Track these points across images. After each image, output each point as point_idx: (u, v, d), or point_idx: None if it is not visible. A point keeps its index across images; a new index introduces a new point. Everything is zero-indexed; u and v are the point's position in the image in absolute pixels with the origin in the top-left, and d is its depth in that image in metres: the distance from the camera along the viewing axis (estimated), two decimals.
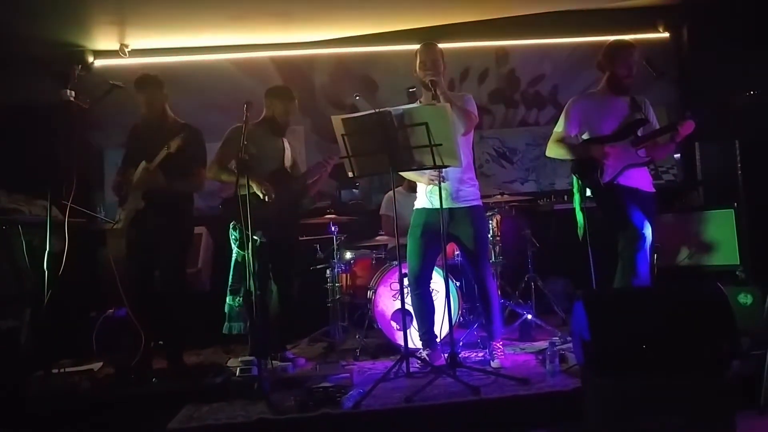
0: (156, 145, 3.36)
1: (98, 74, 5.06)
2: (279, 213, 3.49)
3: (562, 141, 3.40)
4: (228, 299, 4.00)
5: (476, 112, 3.36)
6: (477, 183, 3.44)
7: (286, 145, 3.78)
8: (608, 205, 3.26)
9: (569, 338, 3.50)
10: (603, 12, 5.21)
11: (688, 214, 4.32)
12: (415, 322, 3.47)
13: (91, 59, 5.19)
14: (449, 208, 3.30)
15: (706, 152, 5.11)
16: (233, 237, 3.79)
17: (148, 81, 3.54)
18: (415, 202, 3.51)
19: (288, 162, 3.76)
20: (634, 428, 2.21)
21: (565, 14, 5.30)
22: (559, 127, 3.42)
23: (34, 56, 4.89)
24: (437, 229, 3.17)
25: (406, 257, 3.34)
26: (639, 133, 3.29)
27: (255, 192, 3.31)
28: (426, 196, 3.39)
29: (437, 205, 3.11)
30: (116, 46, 5.13)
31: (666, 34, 5.52)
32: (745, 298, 3.58)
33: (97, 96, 3.71)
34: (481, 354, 3.57)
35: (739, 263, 3.93)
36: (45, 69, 4.75)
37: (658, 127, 3.37)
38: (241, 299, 3.83)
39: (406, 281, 3.38)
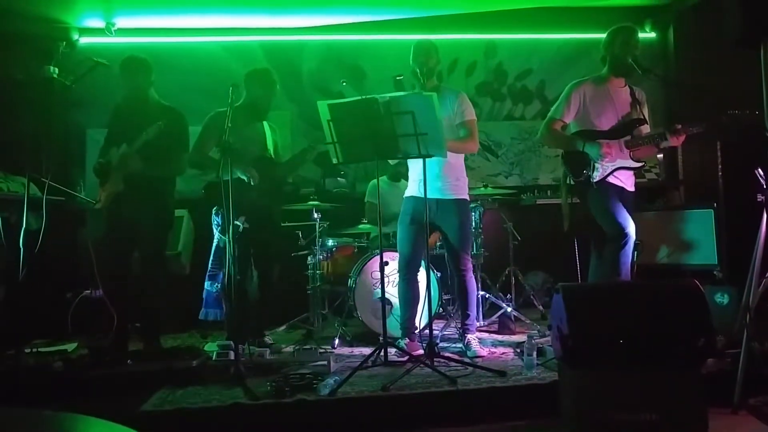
0: (136, 127, 3.31)
1: (83, 52, 4.96)
2: (261, 199, 3.46)
3: (556, 129, 3.32)
4: (206, 285, 3.96)
5: (473, 117, 3.39)
6: (466, 179, 3.50)
7: (267, 130, 3.70)
8: (595, 202, 3.26)
9: (548, 332, 3.52)
10: (592, 10, 5.22)
11: (668, 213, 4.37)
12: (395, 311, 3.47)
13: (76, 36, 5.09)
14: (437, 199, 3.32)
15: (688, 153, 5.17)
16: (215, 222, 3.74)
17: (135, 65, 3.47)
18: (406, 190, 3.53)
19: (271, 148, 3.70)
20: (608, 422, 2.23)
21: (554, 11, 5.31)
22: (556, 113, 3.32)
23: (16, 31, 4.78)
24: (423, 218, 3.20)
25: (390, 246, 3.34)
26: (634, 134, 3.26)
27: (239, 177, 3.28)
28: (416, 185, 3.39)
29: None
30: (102, 24, 5.03)
31: (653, 34, 5.56)
32: (722, 298, 3.62)
33: (81, 73, 3.64)
34: (459, 345, 3.59)
35: (717, 263, 3.98)
36: (28, 45, 4.65)
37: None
38: (219, 285, 3.79)
39: (386, 270, 3.38)
